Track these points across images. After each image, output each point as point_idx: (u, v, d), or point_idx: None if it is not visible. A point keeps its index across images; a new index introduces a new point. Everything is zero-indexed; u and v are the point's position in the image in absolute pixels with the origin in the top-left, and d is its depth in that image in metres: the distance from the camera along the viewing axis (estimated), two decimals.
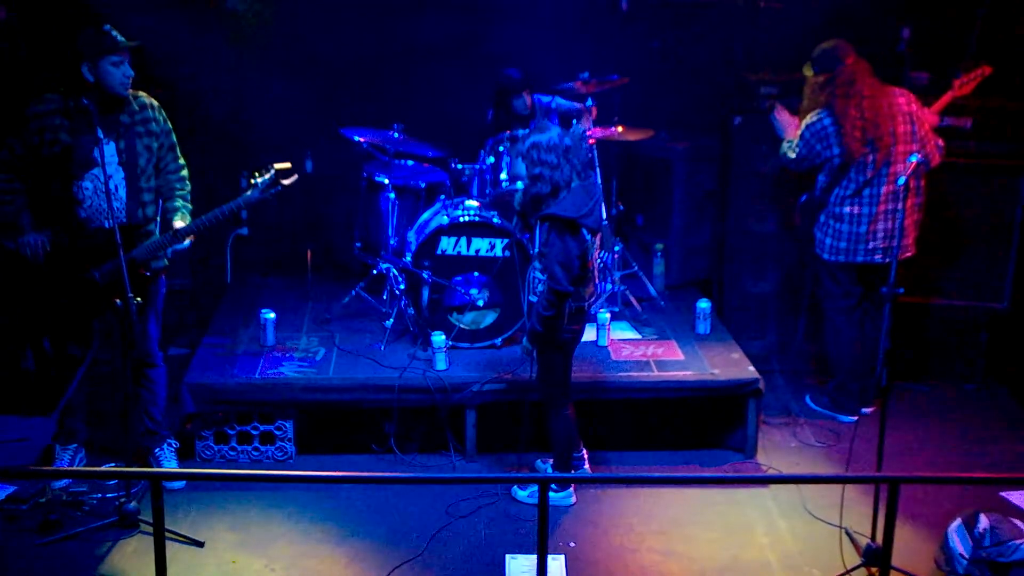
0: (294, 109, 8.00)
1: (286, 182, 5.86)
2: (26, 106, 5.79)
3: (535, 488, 5.95)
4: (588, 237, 5.66)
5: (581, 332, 5.92)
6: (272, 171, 5.84)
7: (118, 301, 5.49)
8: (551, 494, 5.90)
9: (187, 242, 5.91)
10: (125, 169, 5.77)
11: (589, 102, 7.38)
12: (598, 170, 7.28)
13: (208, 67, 7.87)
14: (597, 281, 5.84)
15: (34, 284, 5.90)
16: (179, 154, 6.09)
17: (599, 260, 7.14)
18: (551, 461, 6.18)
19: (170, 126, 6.05)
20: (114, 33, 5.72)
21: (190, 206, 6.01)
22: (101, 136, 5.61)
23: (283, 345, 6.93)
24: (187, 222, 5.90)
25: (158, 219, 6.03)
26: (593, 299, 5.86)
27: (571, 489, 6.10)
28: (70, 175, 5.76)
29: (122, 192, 5.67)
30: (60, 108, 5.75)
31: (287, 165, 5.87)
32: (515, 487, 6.14)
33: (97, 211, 5.82)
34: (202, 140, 7.76)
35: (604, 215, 5.81)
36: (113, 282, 5.77)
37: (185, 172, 6.09)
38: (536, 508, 4.44)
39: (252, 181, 5.84)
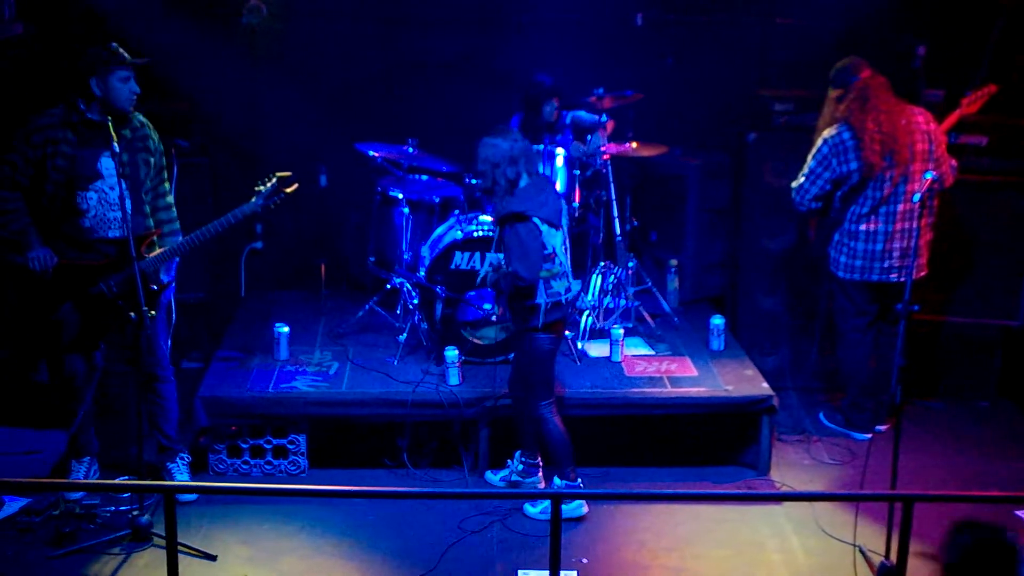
0: (309, 124, 8.04)
1: (288, 190, 5.94)
2: (29, 119, 5.84)
3: (546, 504, 5.94)
4: (544, 228, 5.69)
5: (562, 328, 6.01)
6: (274, 180, 5.92)
7: (132, 314, 5.53)
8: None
9: (172, 287, 6.02)
10: (127, 181, 5.80)
11: (604, 117, 7.38)
12: (612, 186, 7.29)
13: (223, 82, 7.90)
14: (571, 276, 5.89)
15: (44, 298, 5.93)
16: (167, 182, 6.19)
17: (598, 272, 7.21)
18: (506, 472, 6.26)
19: (163, 149, 6.14)
20: (121, 51, 5.80)
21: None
22: (118, 149, 5.65)
23: (296, 359, 6.94)
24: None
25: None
26: (572, 296, 5.91)
27: (581, 499, 6.08)
28: (74, 186, 5.81)
29: (128, 204, 5.71)
30: (64, 121, 5.80)
31: (288, 174, 5.94)
32: (526, 503, 6.13)
33: (101, 221, 5.88)
34: (217, 155, 7.81)
35: (564, 207, 5.92)
36: (123, 295, 5.82)
37: (174, 208, 6.19)
38: (548, 524, 4.43)
39: (256, 189, 5.92)
